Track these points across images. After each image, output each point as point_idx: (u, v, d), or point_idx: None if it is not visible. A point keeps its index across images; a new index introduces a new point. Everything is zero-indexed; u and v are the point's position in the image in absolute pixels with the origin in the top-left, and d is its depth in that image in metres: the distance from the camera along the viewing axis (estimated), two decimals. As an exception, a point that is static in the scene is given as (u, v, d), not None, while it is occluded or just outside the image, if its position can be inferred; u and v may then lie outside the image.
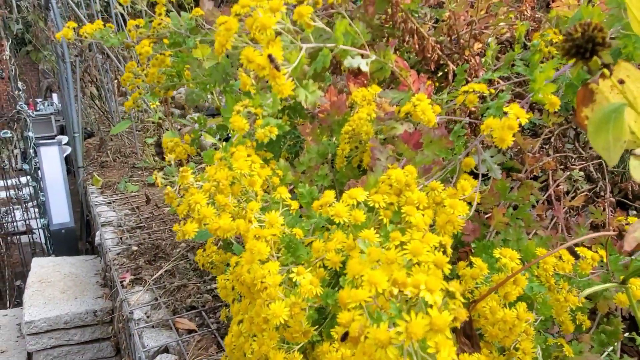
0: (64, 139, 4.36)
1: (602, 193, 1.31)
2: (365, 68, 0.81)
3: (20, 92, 3.33)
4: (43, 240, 3.48)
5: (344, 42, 0.78)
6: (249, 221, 0.66)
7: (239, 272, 0.63)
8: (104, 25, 1.25)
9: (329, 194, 0.66)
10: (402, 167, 0.91)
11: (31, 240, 3.52)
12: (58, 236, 3.21)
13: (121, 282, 1.98)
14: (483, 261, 0.73)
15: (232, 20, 0.64)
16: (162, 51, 1.17)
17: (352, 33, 0.79)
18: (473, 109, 1.02)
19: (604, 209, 1.22)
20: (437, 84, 1.28)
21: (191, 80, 1.24)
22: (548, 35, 0.98)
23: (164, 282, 1.95)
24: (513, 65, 1.06)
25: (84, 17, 4.19)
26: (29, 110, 3.47)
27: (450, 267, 0.47)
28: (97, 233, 2.68)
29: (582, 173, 1.29)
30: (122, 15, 3.53)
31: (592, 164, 1.32)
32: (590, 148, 1.44)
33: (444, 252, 0.50)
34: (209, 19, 1.13)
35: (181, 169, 0.74)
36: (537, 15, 1.31)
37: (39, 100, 7.87)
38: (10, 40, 3.42)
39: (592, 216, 1.18)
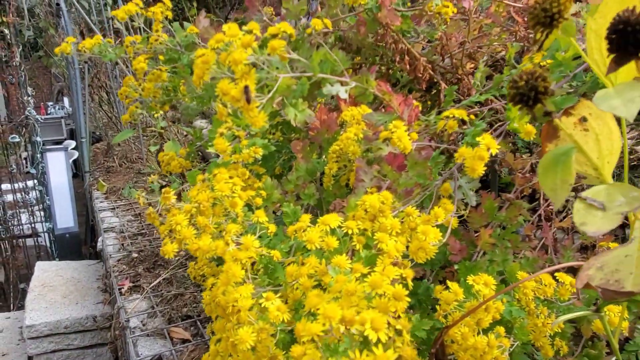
0: (72, 143, 4.42)
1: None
2: (344, 95, 0.82)
3: (29, 98, 3.39)
4: (48, 244, 3.53)
5: (322, 70, 0.79)
6: (226, 243, 0.68)
7: (214, 294, 0.65)
8: (104, 38, 1.27)
9: (305, 218, 0.67)
10: (386, 189, 0.93)
11: (36, 243, 3.57)
12: (62, 240, 3.25)
13: (120, 289, 2.01)
14: (460, 286, 0.74)
15: (209, 53, 0.66)
16: (159, 66, 1.20)
17: (331, 61, 0.81)
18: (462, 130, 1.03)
19: (595, 230, 1.22)
20: (429, 103, 1.29)
21: (187, 95, 1.26)
22: (541, 59, 0.99)
23: (161, 290, 1.97)
24: (503, 87, 1.07)
25: (95, 23, 4.25)
26: (37, 116, 3.53)
27: (409, 300, 0.47)
28: (99, 239, 2.72)
29: (573, 193, 1.29)
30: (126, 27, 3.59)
31: (579, 184, 1.32)
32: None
33: (405, 285, 0.51)
34: (204, 36, 1.16)
35: (163, 190, 0.76)
36: (530, 35, 1.32)
37: (50, 103, 8.00)
38: (20, 46, 3.49)
39: (581, 237, 1.18)
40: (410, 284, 0.52)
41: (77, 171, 4.81)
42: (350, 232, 0.64)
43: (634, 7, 0.39)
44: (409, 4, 1.14)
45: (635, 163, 1.83)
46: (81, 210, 4.14)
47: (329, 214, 0.65)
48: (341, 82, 0.81)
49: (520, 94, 0.42)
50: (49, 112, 7.46)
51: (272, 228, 0.74)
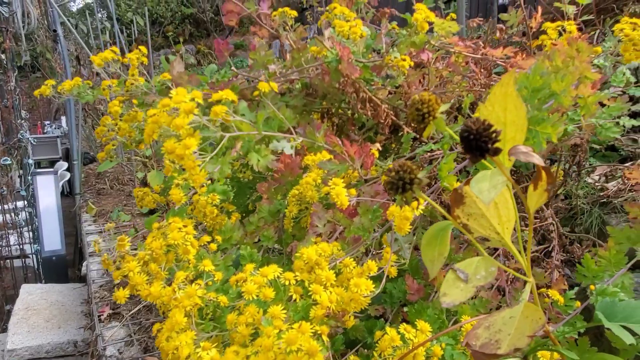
0: (64, 165, 4.48)
1: (552, 253, 1.35)
2: (289, 151, 0.88)
3: (22, 121, 3.47)
4: (36, 266, 3.56)
5: (269, 128, 0.85)
6: (174, 290, 0.72)
7: (160, 340, 0.69)
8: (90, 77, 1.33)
9: (248, 268, 0.71)
10: (339, 234, 0.97)
11: (24, 264, 3.59)
12: (49, 263, 3.28)
13: (99, 316, 2.03)
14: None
15: (159, 113, 0.72)
16: (134, 109, 1.25)
17: (278, 119, 0.87)
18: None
19: (552, 271, 1.27)
20: (394, 145, 1.34)
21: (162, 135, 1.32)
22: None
23: (140, 317, 2.00)
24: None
25: (92, 47, 4.35)
26: (30, 137, 3.60)
27: (322, 356, 0.52)
28: (84, 263, 2.75)
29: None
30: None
31: (545, 223, 1.37)
32: (547, 207, 1.49)
33: (320, 340, 0.55)
34: (177, 82, 1.22)
35: (118, 238, 0.81)
36: (491, 83, 1.38)
37: (47, 122, 8.09)
38: (17, 70, 3.58)
39: (535, 278, 1.23)
40: (327, 339, 0.57)
41: (70, 191, 4.86)
42: (287, 283, 0.68)
43: (478, 118, 0.45)
44: (370, 56, 1.21)
45: (604, 200, 1.89)
46: (71, 231, 4.18)
47: (267, 267, 0.69)
48: (289, 137, 0.87)
49: (391, 183, 0.48)
50: (45, 131, 7.56)
51: (219, 276, 0.78)
